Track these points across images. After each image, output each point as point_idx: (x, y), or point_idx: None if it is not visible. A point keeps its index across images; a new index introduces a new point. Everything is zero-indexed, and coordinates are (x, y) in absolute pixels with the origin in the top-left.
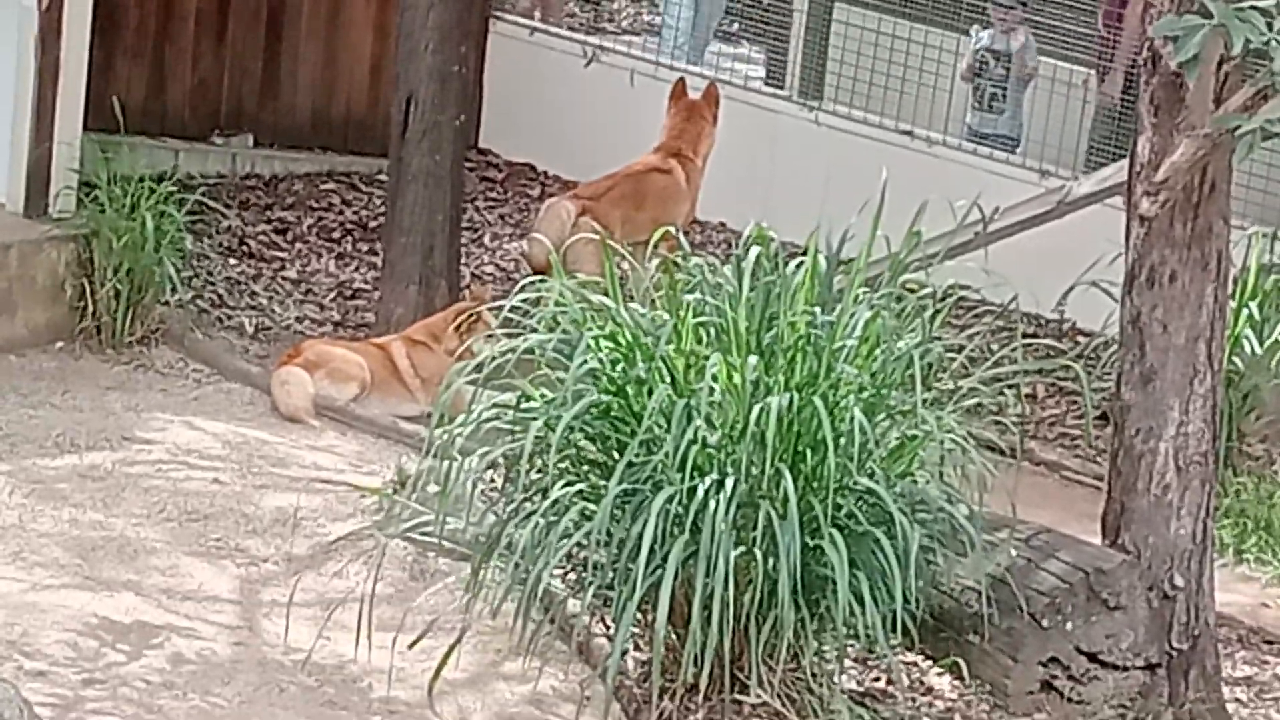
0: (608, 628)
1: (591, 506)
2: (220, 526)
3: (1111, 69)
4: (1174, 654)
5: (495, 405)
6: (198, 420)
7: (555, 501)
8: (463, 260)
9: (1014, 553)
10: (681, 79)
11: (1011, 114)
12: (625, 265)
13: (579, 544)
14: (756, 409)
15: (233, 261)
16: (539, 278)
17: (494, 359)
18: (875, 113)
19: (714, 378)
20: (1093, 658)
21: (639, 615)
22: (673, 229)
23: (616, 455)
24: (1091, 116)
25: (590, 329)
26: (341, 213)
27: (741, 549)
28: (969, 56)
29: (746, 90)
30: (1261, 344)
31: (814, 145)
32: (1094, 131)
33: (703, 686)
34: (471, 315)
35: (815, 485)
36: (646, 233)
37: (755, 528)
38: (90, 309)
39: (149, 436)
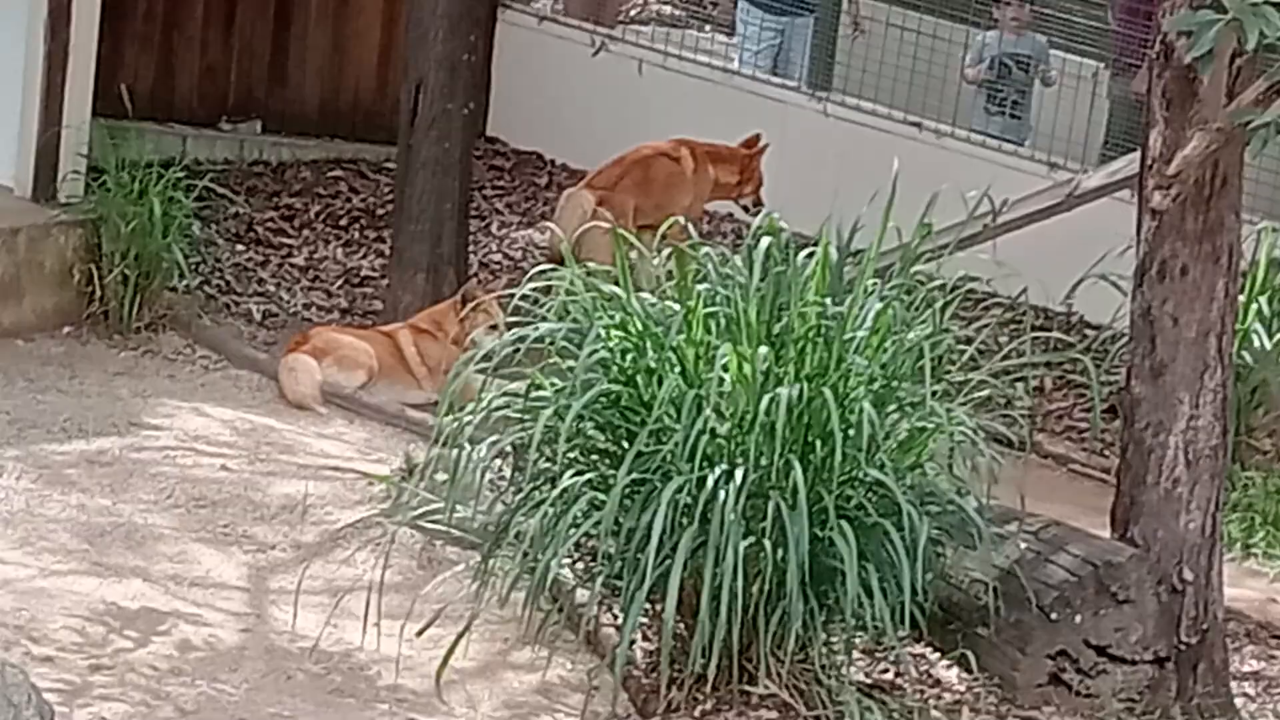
0: (616, 617)
1: (600, 496)
2: (228, 513)
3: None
4: (1182, 648)
5: (504, 394)
6: (205, 406)
7: (564, 491)
8: (470, 248)
9: (1023, 546)
10: (758, 135)
11: (1025, 117)
12: (636, 255)
13: (588, 533)
14: (766, 399)
15: (240, 248)
16: (556, 267)
17: (504, 347)
18: (884, 104)
19: (724, 368)
20: (1101, 651)
21: (647, 605)
22: (680, 217)
23: (626, 445)
24: (1107, 110)
25: (600, 318)
26: (349, 200)
27: (750, 540)
28: (975, 58)
29: (754, 80)
30: (1270, 339)
31: (823, 136)
32: (1111, 125)
33: (710, 677)
34: (477, 305)
35: (824, 476)
36: (654, 219)
37: (764, 518)
38: (98, 294)
39: (156, 422)
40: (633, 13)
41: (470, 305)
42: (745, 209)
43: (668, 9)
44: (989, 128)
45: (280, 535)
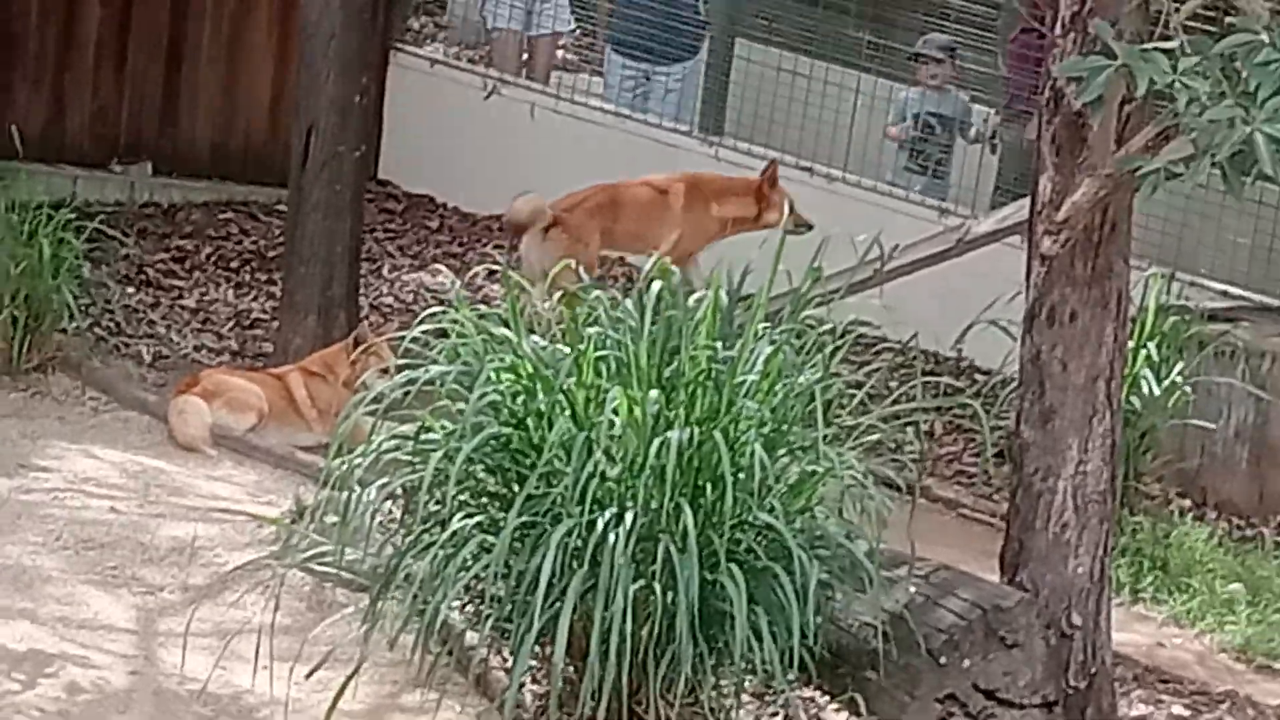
0: (506, 660)
1: (490, 539)
2: (117, 555)
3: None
4: (1071, 692)
5: (394, 436)
6: (95, 448)
7: (454, 533)
8: (361, 291)
9: (912, 589)
10: (774, 162)
11: (947, 178)
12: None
13: (477, 576)
14: (657, 443)
15: (131, 290)
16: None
17: (394, 390)
18: (775, 148)
19: (614, 411)
20: (990, 695)
21: (537, 648)
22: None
23: (516, 487)
24: (999, 156)
25: (491, 360)
26: (240, 242)
27: (640, 583)
28: (897, 117)
29: (647, 125)
30: (1159, 384)
31: None
32: (1001, 171)
33: None
34: (368, 348)
35: (715, 520)
36: (627, 247)
37: (654, 561)
38: None
39: (45, 464)
40: (524, 57)
41: (361, 348)
42: (789, 232)
43: (560, 53)
44: (911, 186)
45: (169, 577)
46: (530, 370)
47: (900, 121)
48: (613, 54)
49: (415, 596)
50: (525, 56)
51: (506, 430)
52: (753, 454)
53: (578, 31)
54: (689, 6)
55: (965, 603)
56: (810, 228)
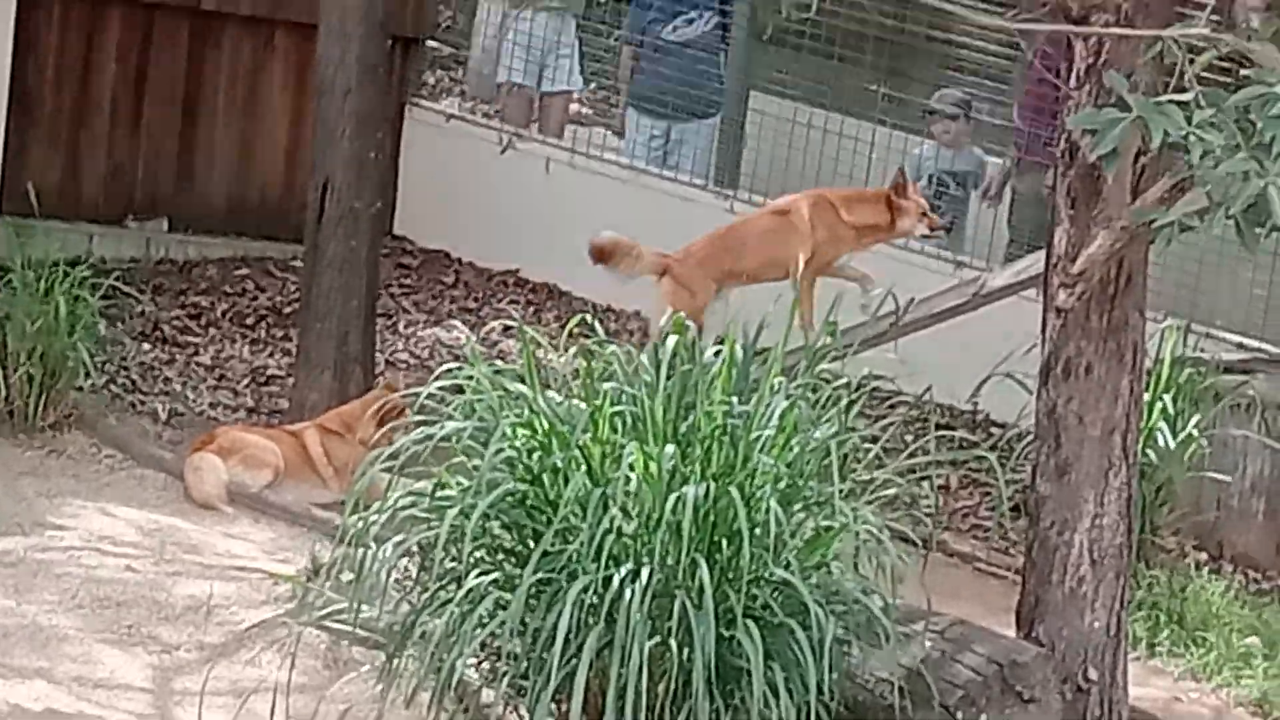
0: (522, 718)
1: (506, 596)
2: (133, 614)
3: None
4: None
5: (410, 493)
6: (110, 506)
7: (470, 590)
8: (377, 347)
9: (928, 645)
10: (901, 169)
11: (961, 233)
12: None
13: (494, 633)
14: (673, 498)
15: (146, 347)
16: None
17: (410, 446)
18: None
19: (630, 467)
20: None
21: (553, 705)
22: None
23: (532, 544)
24: (1010, 209)
25: (506, 416)
26: (256, 298)
27: (656, 639)
28: (912, 175)
29: (661, 179)
30: (1175, 437)
31: None
32: (1017, 224)
33: None
34: (388, 405)
35: (731, 576)
36: (766, 277)
37: (670, 618)
38: (2, 394)
39: (61, 523)
40: (534, 113)
41: (381, 405)
42: (925, 237)
43: (574, 107)
44: (924, 242)
45: (185, 636)
46: (546, 426)
47: (915, 180)
48: (633, 111)
49: (431, 654)
50: (536, 113)
51: (522, 486)
52: (768, 509)
53: (593, 86)
54: (712, 63)
55: (981, 658)
56: (948, 230)
